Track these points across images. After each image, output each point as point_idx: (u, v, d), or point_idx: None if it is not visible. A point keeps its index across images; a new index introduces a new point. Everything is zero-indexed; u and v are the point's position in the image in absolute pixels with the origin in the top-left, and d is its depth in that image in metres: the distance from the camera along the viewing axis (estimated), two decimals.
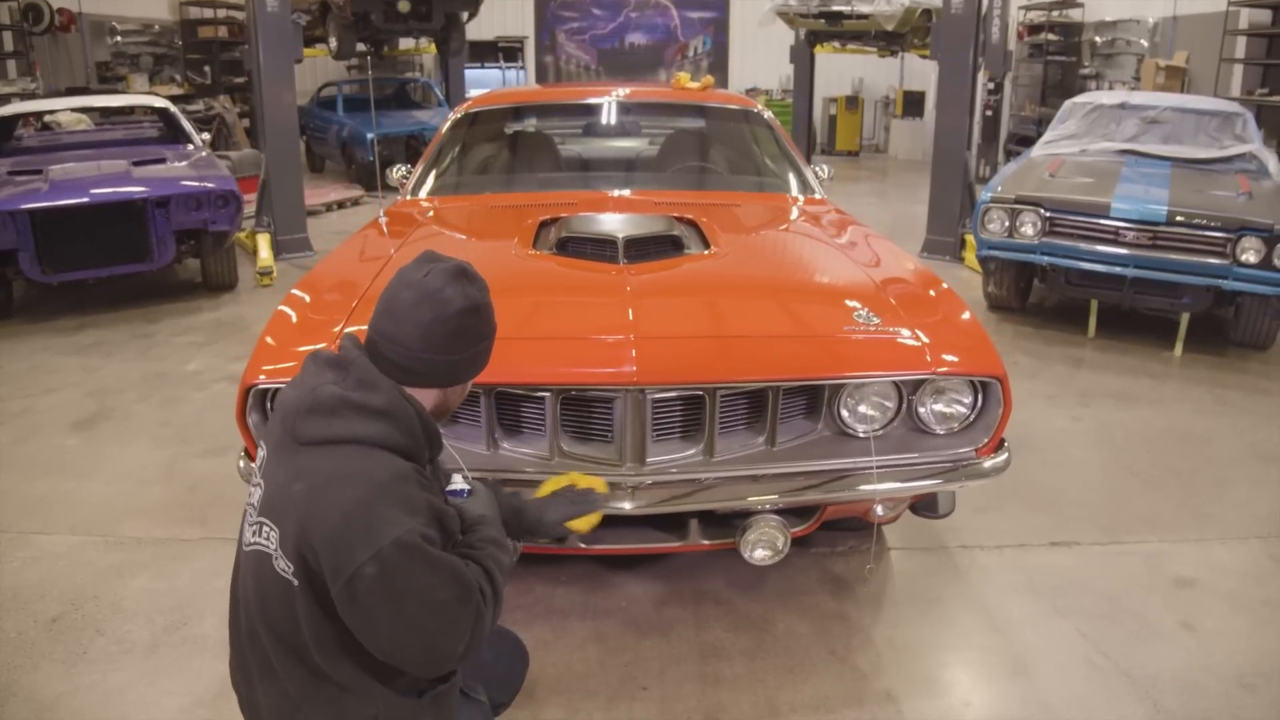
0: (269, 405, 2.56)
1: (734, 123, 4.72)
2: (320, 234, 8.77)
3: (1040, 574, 3.29)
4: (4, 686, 2.66)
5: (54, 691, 2.65)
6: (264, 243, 7.68)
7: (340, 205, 10.78)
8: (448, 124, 4.55)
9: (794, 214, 3.93)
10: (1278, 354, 5.70)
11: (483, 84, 16.82)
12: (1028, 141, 13.10)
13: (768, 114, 4.68)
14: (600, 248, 3.03)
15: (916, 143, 15.56)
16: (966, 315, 2.84)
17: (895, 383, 2.60)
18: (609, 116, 4.67)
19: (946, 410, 2.65)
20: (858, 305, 2.77)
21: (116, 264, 6.24)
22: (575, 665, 2.80)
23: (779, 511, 2.59)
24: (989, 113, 12.67)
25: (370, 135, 11.03)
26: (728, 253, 3.16)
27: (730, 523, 2.66)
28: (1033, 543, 3.50)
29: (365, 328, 1.70)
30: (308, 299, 2.95)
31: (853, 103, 16.38)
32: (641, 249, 3.03)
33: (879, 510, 2.77)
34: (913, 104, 16.03)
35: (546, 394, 2.46)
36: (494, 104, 4.74)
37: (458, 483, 1.89)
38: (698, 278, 3.00)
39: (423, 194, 4.20)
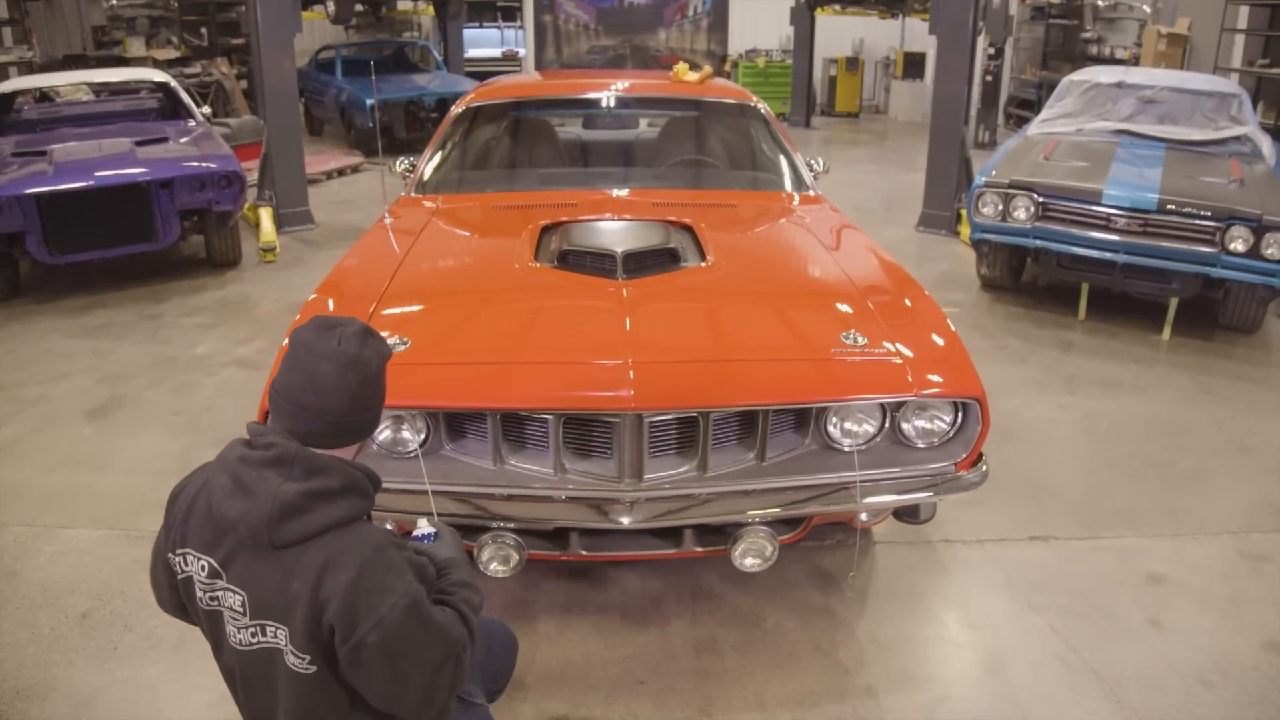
0: None
1: (730, 117, 4.79)
2: (321, 204, 8.83)
3: (1019, 569, 3.45)
4: (42, 682, 2.84)
5: (89, 687, 2.82)
6: (266, 217, 7.73)
7: (340, 173, 10.79)
8: (449, 119, 4.62)
9: (786, 216, 4.03)
10: (1264, 339, 5.83)
11: (481, 44, 16.69)
12: (1028, 105, 13.09)
13: (764, 107, 4.75)
14: (599, 261, 3.16)
15: (917, 104, 15.48)
16: (948, 333, 2.96)
17: (880, 402, 2.74)
18: (609, 109, 4.78)
19: (928, 426, 2.80)
20: (847, 315, 2.94)
21: (122, 244, 6.33)
22: (576, 660, 2.97)
23: (768, 522, 2.74)
24: (989, 78, 12.60)
25: (370, 101, 11.00)
26: (722, 264, 3.27)
27: (723, 530, 2.82)
28: (1012, 537, 3.66)
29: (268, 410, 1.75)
30: (330, 306, 3.09)
31: (853, 64, 16.26)
32: (640, 262, 3.15)
33: (863, 517, 2.94)
34: (913, 65, 15.93)
35: (549, 416, 2.60)
36: (495, 98, 4.80)
37: (424, 527, 2.01)
38: (693, 294, 3.12)
39: (426, 190, 4.29)
